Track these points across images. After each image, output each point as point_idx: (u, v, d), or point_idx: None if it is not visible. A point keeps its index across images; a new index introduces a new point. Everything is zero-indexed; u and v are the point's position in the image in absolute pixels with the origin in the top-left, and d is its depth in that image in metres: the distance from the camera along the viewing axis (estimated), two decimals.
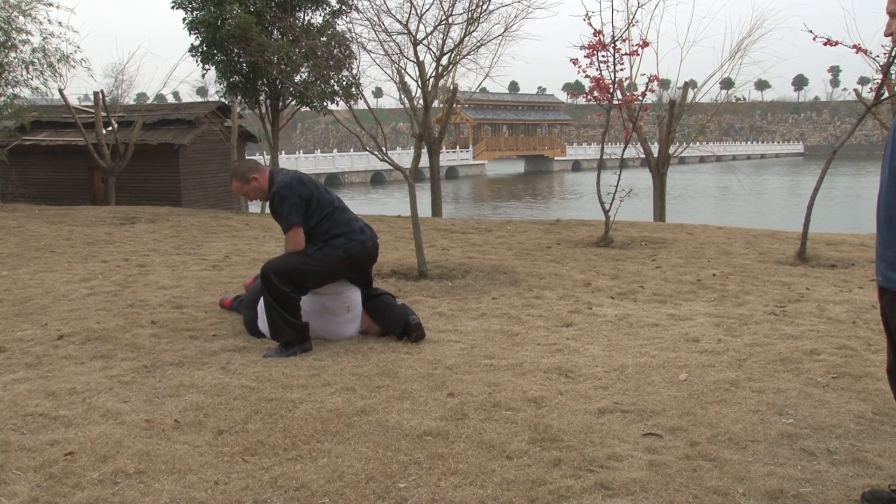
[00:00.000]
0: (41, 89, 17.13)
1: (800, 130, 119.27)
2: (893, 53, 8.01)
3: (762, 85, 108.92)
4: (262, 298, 5.04)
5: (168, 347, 4.90)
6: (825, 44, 8.44)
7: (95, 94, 18.63)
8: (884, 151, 2.70)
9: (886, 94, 8.81)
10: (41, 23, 16.24)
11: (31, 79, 16.57)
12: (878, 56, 8.33)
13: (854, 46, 8.40)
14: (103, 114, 18.36)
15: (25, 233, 10.81)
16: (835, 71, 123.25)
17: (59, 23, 16.64)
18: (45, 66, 16.37)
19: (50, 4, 16.27)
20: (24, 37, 16.02)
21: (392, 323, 5.14)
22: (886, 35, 2.78)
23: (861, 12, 11.56)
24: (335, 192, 5.21)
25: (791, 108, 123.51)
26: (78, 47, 17.74)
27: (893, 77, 8.44)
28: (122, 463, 3.17)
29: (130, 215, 13.38)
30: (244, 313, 5.34)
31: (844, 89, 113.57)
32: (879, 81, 8.43)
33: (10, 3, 15.70)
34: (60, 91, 18.01)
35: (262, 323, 5.14)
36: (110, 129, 18.24)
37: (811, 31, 8.49)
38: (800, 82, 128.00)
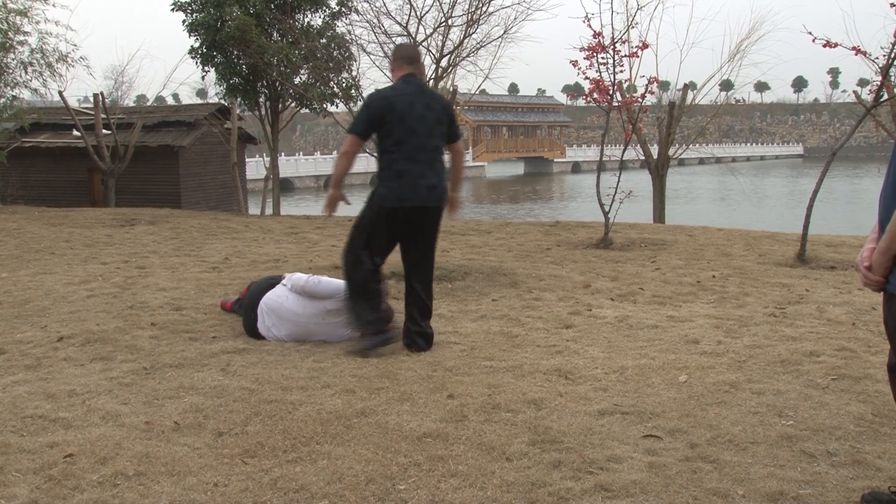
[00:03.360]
0: (40, 90, 17.15)
1: (799, 132, 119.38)
2: (893, 55, 8.02)
3: (761, 86, 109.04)
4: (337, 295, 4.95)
5: (168, 349, 4.90)
6: (824, 45, 8.44)
7: (95, 95, 18.64)
8: (891, 154, 2.72)
9: (886, 96, 8.82)
10: (38, 22, 16.26)
11: (30, 80, 16.60)
12: (877, 58, 8.34)
13: (853, 48, 8.40)
14: (102, 115, 18.37)
15: (25, 235, 10.81)
16: (834, 73, 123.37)
17: (56, 22, 16.67)
18: (44, 66, 16.39)
19: (47, 1, 16.27)
20: (21, 37, 16.04)
21: (411, 315, 4.95)
22: None
23: (860, 15, 11.57)
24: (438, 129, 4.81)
25: (790, 110, 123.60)
26: (75, 46, 17.76)
27: (893, 79, 8.45)
28: (121, 465, 3.17)
29: (130, 217, 13.38)
30: (244, 315, 5.33)
31: (844, 91, 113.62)
32: (879, 83, 8.43)
33: (6, 5, 15.71)
34: (60, 93, 18.02)
35: (262, 325, 5.14)
36: (108, 132, 18.23)
37: (810, 33, 8.49)
38: (799, 84, 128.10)
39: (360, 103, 12.07)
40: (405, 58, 4.93)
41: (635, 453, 3.30)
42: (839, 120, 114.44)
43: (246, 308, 5.31)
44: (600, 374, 4.37)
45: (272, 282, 5.41)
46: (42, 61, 16.36)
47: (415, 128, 4.73)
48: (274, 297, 5.17)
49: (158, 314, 5.86)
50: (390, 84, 4.89)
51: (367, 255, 4.83)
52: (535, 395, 3.99)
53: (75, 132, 19.54)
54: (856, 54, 8.41)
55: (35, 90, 17.09)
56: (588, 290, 6.89)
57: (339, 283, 5.13)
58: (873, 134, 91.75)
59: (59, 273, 7.74)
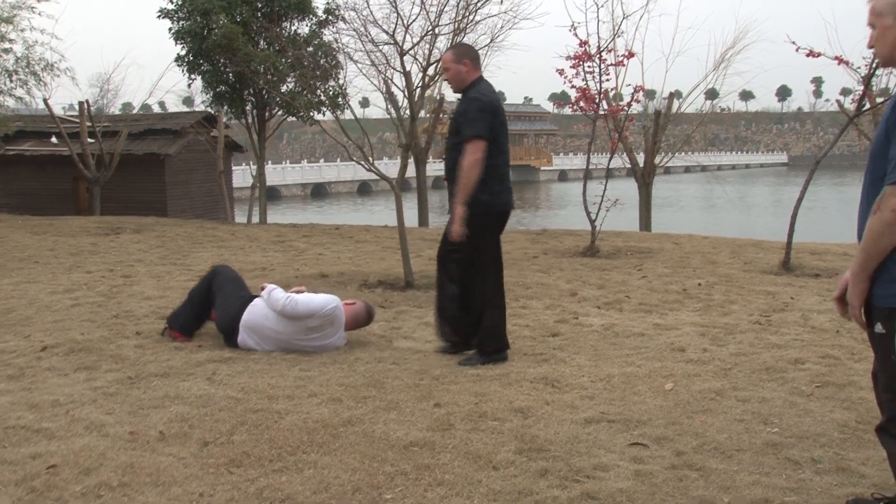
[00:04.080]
0: (25, 99, 17.05)
1: (784, 141, 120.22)
2: (874, 65, 8.10)
3: (746, 95, 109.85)
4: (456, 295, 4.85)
5: (153, 358, 4.87)
6: (808, 55, 8.53)
7: (80, 103, 18.55)
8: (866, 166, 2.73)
9: (868, 106, 8.90)
10: (24, 30, 16.18)
11: (15, 88, 16.50)
12: (859, 67, 8.43)
13: (836, 58, 8.50)
14: (88, 124, 18.27)
15: (8, 243, 10.72)
16: (817, 82, 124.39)
17: (42, 31, 16.59)
18: (29, 74, 16.30)
19: (33, 9, 16.20)
20: (6, 45, 15.96)
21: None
22: (869, 47, 2.82)
23: (842, 24, 11.68)
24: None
25: (775, 119, 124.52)
26: (62, 56, 17.68)
27: (874, 88, 8.54)
28: (105, 476, 3.14)
29: (115, 225, 13.30)
30: (224, 337, 5.19)
31: (827, 100, 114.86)
32: (861, 93, 8.53)
33: None
34: (45, 101, 17.92)
35: (245, 345, 5.05)
36: (93, 141, 18.11)
37: (794, 43, 8.58)
38: (783, 93, 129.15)
39: (347, 112, 12.05)
40: (477, 59, 4.94)
41: (622, 461, 3.31)
42: (823, 129, 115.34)
43: (224, 331, 5.18)
44: (587, 382, 4.38)
45: (244, 297, 5.20)
46: (27, 70, 16.28)
47: (507, 132, 4.86)
48: (253, 317, 5.04)
49: (144, 323, 5.83)
50: (482, 86, 4.80)
51: (497, 267, 4.86)
52: (521, 404, 3.99)
53: (53, 139, 19.42)
54: (838, 64, 8.51)
55: (20, 98, 17.00)
56: (575, 298, 6.90)
57: (317, 302, 5.01)
58: (856, 143, 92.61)
59: (43, 282, 7.68)
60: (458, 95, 4.92)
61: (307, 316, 4.97)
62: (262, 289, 5.20)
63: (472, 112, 4.63)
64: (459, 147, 4.65)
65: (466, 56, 4.83)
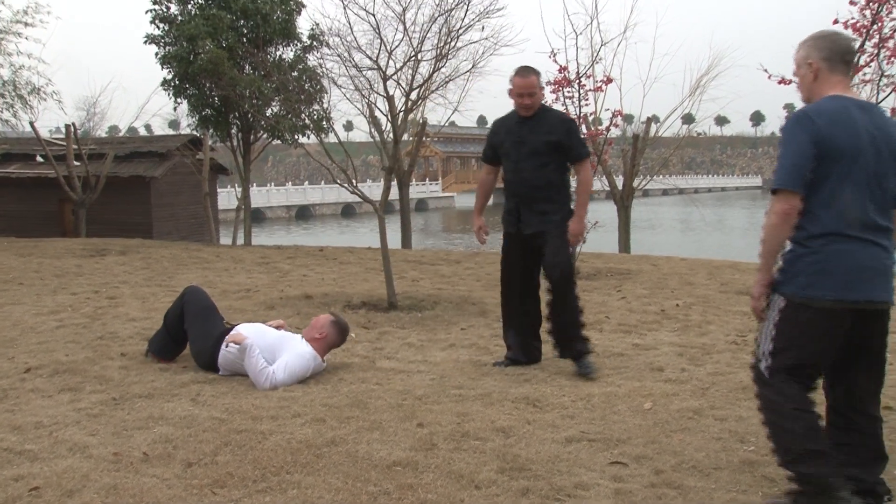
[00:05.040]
0: (11, 122, 17.06)
1: (758, 164, 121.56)
2: None
3: (721, 120, 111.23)
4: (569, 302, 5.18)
5: (137, 379, 4.87)
6: (779, 82, 8.71)
7: (67, 126, 18.55)
8: None
9: None
10: (11, 55, 16.23)
11: (1, 111, 16.51)
12: None
13: None
14: (74, 146, 18.26)
15: None
16: (790, 108, 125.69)
17: (29, 55, 16.67)
18: (15, 98, 16.32)
19: (19, 34, 16.27)
20: None
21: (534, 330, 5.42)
22: (802, 98, 3.13)
23: None
24: None
25: (749, 143, 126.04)
26: (49, 80, 17.73)
27: None
28: (88, 497, 3.15)
29: (101, 247, 13.27)
30: (210, 370, 5.09)
31: None
32: None
33: None
34: (31, 124, 17.91)
35: (222, 373, 5.02)
36: (79, 164, 18.06)
37: (766, 70, 8.77)
38: (757, 118, 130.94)
39: (331, 135, 12.11)
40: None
41: (602, 480, 3.36)
42: None
43: (202, 367, 5.12)
44: (567, 401, 4.44)
45: (216, 336, 5.04)
46: (14, 93, 16.30)
47: None
48: (229, 364, 4.94)
49: (128, 344, 5.83)
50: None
51: None
52: (503, 423, 4.04)
53: (39, 157, 19.36)
54: None
55: (6, 121, 17.00)
56: None
57: (297, 372, 4.79)
58: None
59: (28, 304, 7.66)
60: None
61: (291, 384, 4.83)
62: (236, 343, 4.86)
63: (578, 132, 5.12)
64: (549, 165, 5.06)
65: (541, 80, 5.12)
